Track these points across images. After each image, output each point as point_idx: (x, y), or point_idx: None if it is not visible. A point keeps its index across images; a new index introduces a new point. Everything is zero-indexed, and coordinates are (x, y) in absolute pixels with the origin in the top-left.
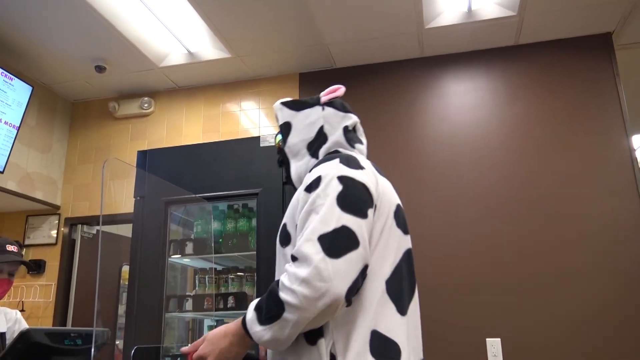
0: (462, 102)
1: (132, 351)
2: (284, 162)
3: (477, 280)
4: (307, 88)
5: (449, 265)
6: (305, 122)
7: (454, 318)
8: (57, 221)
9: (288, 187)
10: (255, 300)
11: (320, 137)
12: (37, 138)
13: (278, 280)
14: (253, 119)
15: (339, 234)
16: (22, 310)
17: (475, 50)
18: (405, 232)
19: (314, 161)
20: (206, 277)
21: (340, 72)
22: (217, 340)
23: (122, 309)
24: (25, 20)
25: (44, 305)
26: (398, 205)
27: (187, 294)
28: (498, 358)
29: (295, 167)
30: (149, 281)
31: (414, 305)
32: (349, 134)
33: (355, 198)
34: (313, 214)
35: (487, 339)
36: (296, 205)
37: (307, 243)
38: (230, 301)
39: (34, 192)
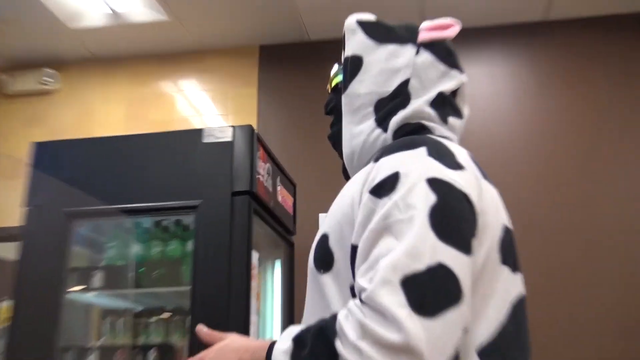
0: (477, 89)
1: None
2: (333, 114)
3: None
4: (270, 65)
5: None
6: (385, 66)
7: None
8: None
9: (239, 199)
10: (296, 328)
11: (400, 95)
12: None
13: (334, 318)
14: (195, 103)
15: (436, 278)
16: None
17: (493, 26)
18: (515, 269)
19: (380, 134)
20: (118, 321)
21: (314, 46)
22: (226, 353)
23: None
24: None
25: None
26: (505, 229)
27: (91, 344)
28: None
29: (351, 133)
30: (37, 324)
31: None
32: (443, 104)
33: (457, 219)
34: (387, 234)
35: None
36: (347, 211)
37: (384, 288)
38: (152, 356)
39: None
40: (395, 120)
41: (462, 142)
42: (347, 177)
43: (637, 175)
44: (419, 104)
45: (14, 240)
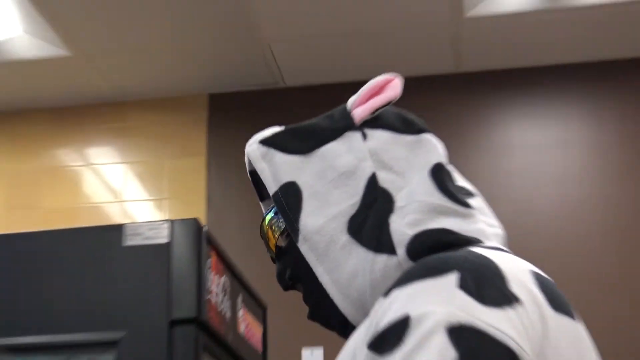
0: (524, 140)
1: None
2: (301, 278)
3: None
4: (222, 122)
5: None
6: (331, 176)
7: None
8: None
9: (180, 330)
10: None
11: (377, 200)
12: None
13: None
14: (112, 182)
15: None
16: None
17: (543, 66)
18: None
19: (388, 261)
20: None
21: (288, 93)
22: None
23: None
24: None
25: None
26: None
27: None
28: None
29: (336, 281)
30: None
31: None
32: (446, 180)
33: None
34: None
35: None
36: None
37: None
38: None
39: None
40: (401, 234)
41: (514, 208)
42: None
43: None
44: (418, 196)
45: None
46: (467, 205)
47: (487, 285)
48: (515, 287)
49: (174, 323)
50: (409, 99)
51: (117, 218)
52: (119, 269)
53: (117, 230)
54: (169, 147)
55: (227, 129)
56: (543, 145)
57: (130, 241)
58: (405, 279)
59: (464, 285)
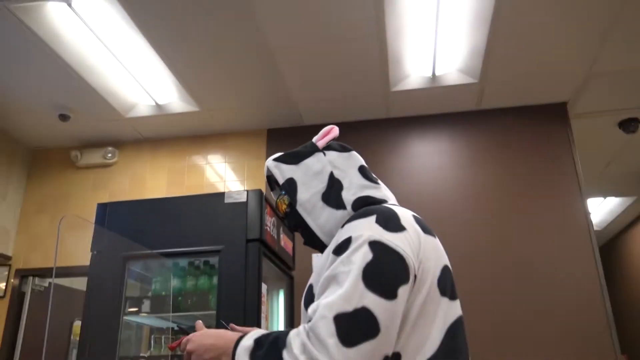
0: (426, 163)
1: None
2: (299, 225)
3: None
4: (274, 144)
5: None
6: (311, 174)
7: None
8: (6, 272)
9: (251, 245)
10: (260, 331)
11: (335, 184)
12: None
13: (287, 334)
14: (219, 172)
15: (358, 317)
16: None
17: (439, 114)
18: (453, 297)
19: (343, 212)
20: (162, 337)
21: (307, 129)
22: (206, 336)
23: None
24: None
25: None
26: (444, 268)
27: (141, 354)
28: None
29: (319, 224)
30: (101, 339)
31: None
32: (366, 173)
33: (384, 273)
34: (333, 282)
35: None
36: (324, 265)
37: (321, 321)
38: None
39: None
40: (347, 199)
41: (416, 205)
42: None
43: (556, 233)
44: (353, 180)
45: (84, 275)
46: (377, 184)
47: (390, 221)
48: (404, 222)
49: (248, 241)
50: (354, 135)
51: (221, 189)
52: (222, 214)
53: (221, 195)
54: (247, 155)
55: (275, 147)
56: (437, 164)
57: (227, 200)
58: (352, 219)
59: (378, 221)
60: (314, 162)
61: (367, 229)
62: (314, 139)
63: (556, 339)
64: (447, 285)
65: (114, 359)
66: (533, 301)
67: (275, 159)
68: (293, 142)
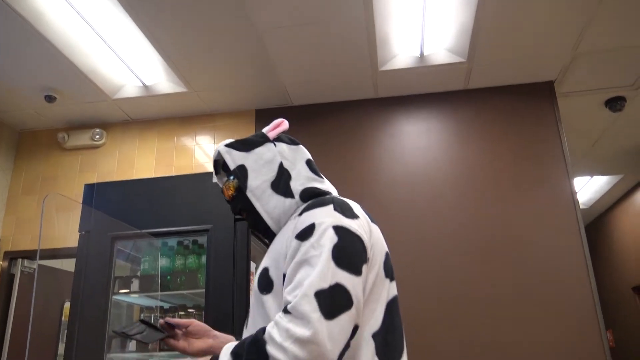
0: (415, 143)
1: None
2: (245, 208)
3: (426, 312)
4: (263, 124)
5: (402, 302)
6: (261, 162)
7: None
8: None
9: (240, 224)
10: (231, 345)
11: (284, 174)
12: None
13: (263, 331)
14: (208, 153)
15: (334, 293)
16: None
17: (427, 93)
18: (392, 279)
19: (291, 201)
20: (152, 315)
21: (296, 110)
22: None
23: (62, 348)
24: None
25: None
26: (387, 254)
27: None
28: None
29: (267, 210)
30: (91, 319)
31: (402, 357)
32: (313, 167)
33: (350, 253)
34: (306, 265)
35: None
36: (281, 251)
37: (304, 299)
38: None
39: None
40: (295, 189)
41: (405, 184)
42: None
43: (543, 211)
44: (301, 172)
45: (72, 257)
46: (322, 178)
47: (346, 210)
48: (356, 212)
49: (236, 220)
50: (343, 115)
51: (210, 170)
52: (210, 194)
53: (209, 175)
54: (235, 135)
55: (264, 127)
56: (425, 144)
57: (215, 180)
58: (309, 207)
59: (336, 209)
60: (265, 151)
61: (328, 215)
62: (265, 130)
63: (541, 315)
64: (389, 268)
65: (104, 338)
66: (519, 278)
67: (227, 145)
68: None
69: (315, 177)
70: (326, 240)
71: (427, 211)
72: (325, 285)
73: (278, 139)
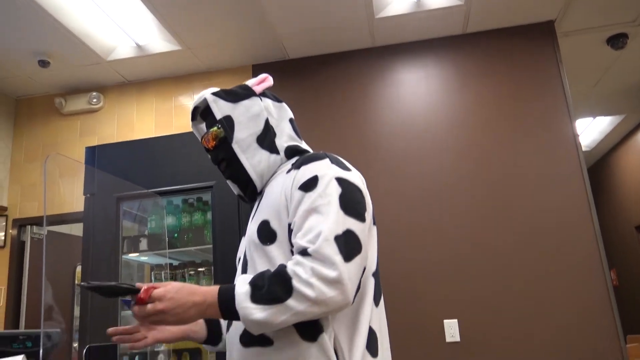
0: (414, 91)
1: (84, 350)
2: (225, 159)
3: (431, 263)
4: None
5: (404, 250)
6: (248, 115)
7: (412, 301)
8: (4, 223)
9: None
10: (246, 276)
11: (269, 130)
12: None
13: (285, 268)
14: None
15: (347, 238)
16: None
17: (425, 40)
18: (375, 224)
19: (276, 157)
20: (162, 272)
21: (293, 63)
22: (182, 295)
23: (78, 310)
24: None
25: None
26: (371, 204)
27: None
28: (455, 338)
29: (252, 164)
30: (103, 279)
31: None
32: (295, 126)
33: (354, 201)
34: (315, 213)
35: (444, 320)
36: (281, 203)
37: (325, 243)
38: None
39: None
40: (281, 145)
41: (405, 133)
42: (248, 196)
43: (545, 155)
44: (286, 130)
45: (80, 221)
46: (300, 137)
47: (341, 163)
48: (348, 165)
49: None
50: (341, 66)
51: None
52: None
53: None
54: None
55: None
56: (425, 91)
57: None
58: (306, 161)
59: (332, 162)
60: (252, 105)
61: (328, 168)
62: (249, 83)
63: (544, 258)
64: (373, 216)
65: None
66: (521, 222)
67: (214, 94)
68: (279, 77)
69: (296, 136)
70: (332, 190)
71: (428, 159)
72: (339, 231)
73: (263, 94)
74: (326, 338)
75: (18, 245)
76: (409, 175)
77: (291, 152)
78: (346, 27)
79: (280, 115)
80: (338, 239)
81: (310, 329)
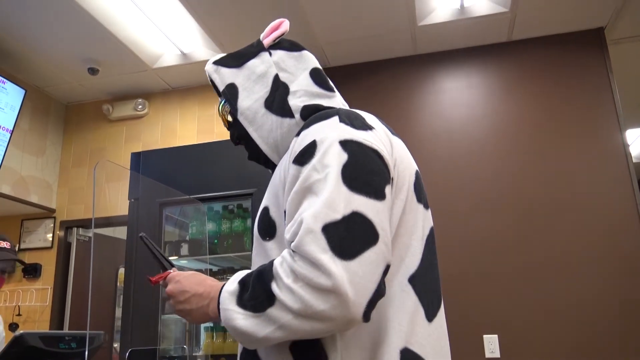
0: (456, 99)
1: (127, 353)
2: (242, 136)
3: (473, 275)
4: None
5: (443, 261)
6: (254, 77)
7: (450, 313)
8: (52, 224)
9: None
10: (243, 273)
11: (279, 88)
12: (31, 141)
13: (271, 266)
14: None
15: (350, 224)
16: (18, 315)
17: (468, 47)
18: (427, 206)
19: (290, 121)
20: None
21: (333, 70)
22: (188, 282)
23: (119, 312)
24: (17, 23)
25: (41, 309)
26: (417, 173)
27: None
28: (495, 354)
29: (261, 135)
30: (145, 283)
31: (441, 306)
32: (320, 78)
33: (367, 172)
34: (309, 194)
35: (484, 335)
36: (280, 181)
37: (308, 236)
38: None
39: (28, 195)
40: (295, 105)
41: (447, 142)
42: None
43: (593, 165)
44: (301, 83)
45: (124, 224)
46: (332, 92)
47: (355, 120)
48: (370, 122)
49: None
50: (382, 74)
51: None
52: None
53: None
54: None
55: None
56: (467, 99)
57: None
58: (307, 124)
59: (342, 120)
60: (258, 64)
61: (332, 129)
62: (261, 36)
63: (593, 272)
64: (421, 192)
65: (157, 301)
66: (568, 235)
67: (216, 62)
68: None
69: (321, 91)
70: (332, 158)
71: (470, 169)
72: (337, 215)
73: (276, 45)
74: None
75: (65, 246)
76: (451, 183)
77: (310, 112)
78: (388, 34)
79: (297, 67)
80: (331, 228)
81: (308, 353)
